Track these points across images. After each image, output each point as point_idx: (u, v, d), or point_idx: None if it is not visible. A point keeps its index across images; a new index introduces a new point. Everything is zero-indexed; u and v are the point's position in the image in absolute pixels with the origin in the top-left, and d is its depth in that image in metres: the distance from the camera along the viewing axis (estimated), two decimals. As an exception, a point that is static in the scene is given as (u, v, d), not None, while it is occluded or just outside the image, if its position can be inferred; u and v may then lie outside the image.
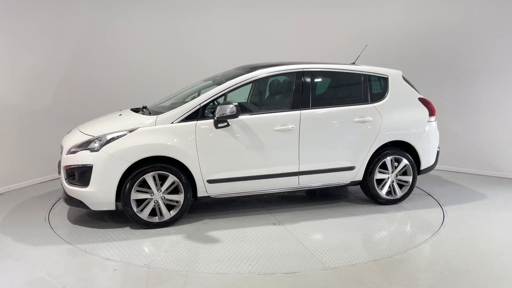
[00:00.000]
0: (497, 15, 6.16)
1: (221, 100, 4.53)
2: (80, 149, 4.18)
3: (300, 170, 4.68)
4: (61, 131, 6.07)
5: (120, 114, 4.77)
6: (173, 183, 4.30)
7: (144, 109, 4.84)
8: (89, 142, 4.20)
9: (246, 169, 4.51)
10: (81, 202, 4.18)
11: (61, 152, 4.45)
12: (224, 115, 4.27)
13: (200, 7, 7.60)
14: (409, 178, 5.08)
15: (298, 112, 4.63)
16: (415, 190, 5.48)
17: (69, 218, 4.61)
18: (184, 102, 4.74)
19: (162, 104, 5.01)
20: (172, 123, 4.31)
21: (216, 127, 4.35)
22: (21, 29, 5.71)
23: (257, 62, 5.78)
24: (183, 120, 4.32)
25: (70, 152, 4.22)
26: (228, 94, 4.55)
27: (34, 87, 5.94)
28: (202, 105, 4.39)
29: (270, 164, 4.58)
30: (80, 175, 4.12)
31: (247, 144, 4.46)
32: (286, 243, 4.04)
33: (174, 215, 4.36)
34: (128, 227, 4.33)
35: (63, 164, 4.27)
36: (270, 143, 4.54)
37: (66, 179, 4.24)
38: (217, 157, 4.39)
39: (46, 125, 6.11)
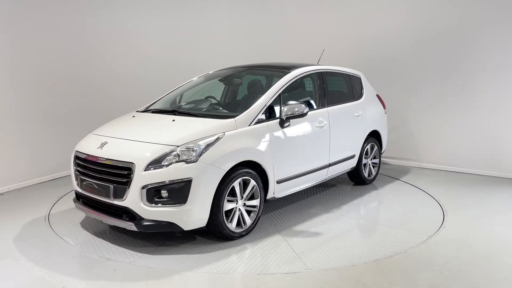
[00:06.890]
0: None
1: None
2: (167, 162, 3.62)
3: (330, 162, 5.08)
4: (61, 131, 6.08)
5: (174, 120, 4.25)
6: (252, 188, 4.10)
7: (177, 112, 4.49)
8: (171, 152, 3.66)
9: (302, 165, 4.69)
10: (170, 224, 3.64)
11: (77, 160, 4.08)
12: (295, 114, 4.34)
13: (199, 7, 7.61)
14: (377, 160, 6.09)
15: (325, 109, 5.04)
16: (414, 190, 5.79)
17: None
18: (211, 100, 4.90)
19: (186, 105, 4.88)
20: (249, 125, 4.14)
21: (282, 126, 4.38)
22: (22, 29, 5.71)
23: (255, 62, 5.79)
24: (257, 122, 4.20)
25: (154, 167, 3.60)
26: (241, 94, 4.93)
27: (34, 87, 5.94)
28: (267, 105, 4.33)
29: (316, 158, 4.89)
30: (176, 191, 3.59)
31: (303, 141, 4.68)
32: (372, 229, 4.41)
33: (253, 222, 4.15)
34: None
35: (141, 183, 3.57)
36: (316, 139, 4.85)
37: (146, 201, 3.61)
38: (284, 156, 4.42)
39: (46, 125, 6.11)
